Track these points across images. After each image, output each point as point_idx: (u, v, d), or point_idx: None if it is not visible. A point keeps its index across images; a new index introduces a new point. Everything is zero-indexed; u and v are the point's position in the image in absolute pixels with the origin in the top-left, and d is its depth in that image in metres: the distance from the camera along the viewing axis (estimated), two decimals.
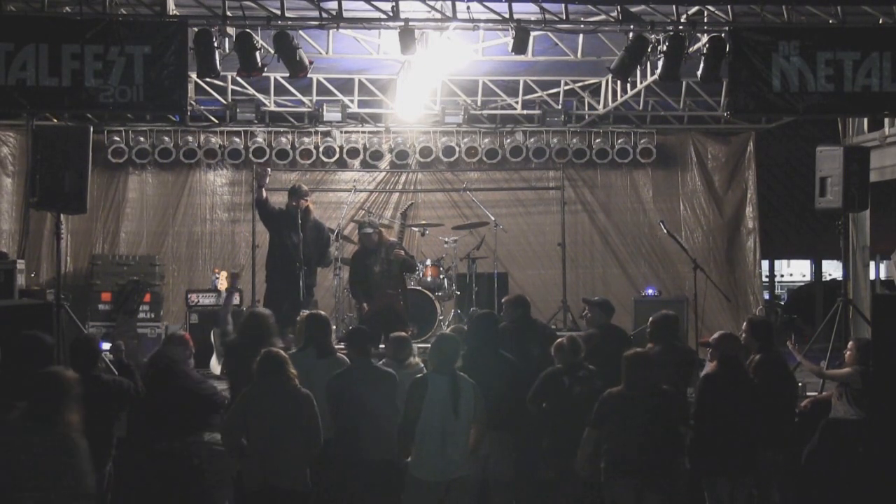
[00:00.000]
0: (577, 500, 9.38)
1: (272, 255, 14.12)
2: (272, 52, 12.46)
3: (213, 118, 17.35)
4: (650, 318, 10.43)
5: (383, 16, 12.40)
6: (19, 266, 14.10)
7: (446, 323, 14.73)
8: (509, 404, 9.26)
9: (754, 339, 9.81)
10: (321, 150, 17.54)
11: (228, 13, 12.10)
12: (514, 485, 9.66)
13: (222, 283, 14.12)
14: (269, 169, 14.51)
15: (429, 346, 11.00)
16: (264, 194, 13.92)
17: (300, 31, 13.03)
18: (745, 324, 10.32)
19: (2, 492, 6.49)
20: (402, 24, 12.18)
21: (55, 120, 15.30)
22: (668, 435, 8.56)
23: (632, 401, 8.48)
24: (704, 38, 12.61)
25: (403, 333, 10.37)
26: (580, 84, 17.10)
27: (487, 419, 8.73)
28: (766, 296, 20.12)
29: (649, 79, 14.22)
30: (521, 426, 9.56)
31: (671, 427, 8.64)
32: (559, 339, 9.86)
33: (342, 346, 9.91)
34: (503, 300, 11.58)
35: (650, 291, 16.67)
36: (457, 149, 17.75)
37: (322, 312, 10.10)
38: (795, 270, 25.13)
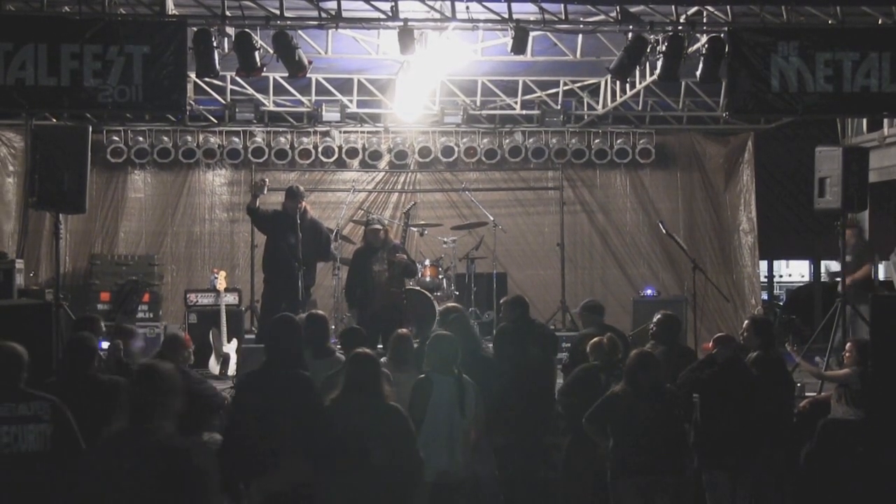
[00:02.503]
0: (583, 500, 9.42)
1: (269, 255, 14.20)
2: (271, 51, 12.46)
3: (212, 118, 17.33)
4: (655, 318, 10.45)
5: (382, 16, 12.41)
6: (18, 266, 14.11)
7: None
8: (495, 405, 9.25)
9: (755, 338, 9.84)
10: (320, 150, 17.53)
11: (227, 13, 12.11)
12: (505, 485, 9.70)
13: (221, 283, 14.12)
14: (267, 181, 14.58)
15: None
16: (256, 203, 14.01)
17: (299, 31, 13.04)
18: (746, 322, 10.37)
19: None
20: (401, 23, 12.18)
21: (54, 120, 15.30)
22: (672, 434, 8.57)
23: (636, 401, 8.49)
24: (703, 39, 12.63)
25: (405, 331, 10.35)
26: (579, 84, 17.10)
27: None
28: (765, 296, 20.13)
29: (648, 79, 14.24)
30: (510, 427, 9.58)
31: (676, 426, 8.66)
32: (598, 338, 9.88)
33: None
34: (502, 301, 11.62)
35: (649, 292, 16.68)
36: (456, 149, 17.74)
37: (321, 312, 10.09)
38: (794, 271, 25.12)
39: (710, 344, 9.51)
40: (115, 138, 17.10)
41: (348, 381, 7.49)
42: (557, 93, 17.19)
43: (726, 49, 12.17)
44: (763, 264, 19.89)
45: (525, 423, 9.77)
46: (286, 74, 13.57)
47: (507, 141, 17.87)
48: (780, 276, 24.72)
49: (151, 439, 5.83)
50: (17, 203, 16.82)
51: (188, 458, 5.87)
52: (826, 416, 10.25)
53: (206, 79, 14.25)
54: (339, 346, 9.86)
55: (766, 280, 21.01)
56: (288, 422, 7.25)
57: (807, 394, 11.44)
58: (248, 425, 7.27)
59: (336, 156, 17.64)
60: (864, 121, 16.65)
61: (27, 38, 11.32)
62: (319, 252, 14.28)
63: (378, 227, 14.08)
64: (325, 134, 17.65)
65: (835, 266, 15.01)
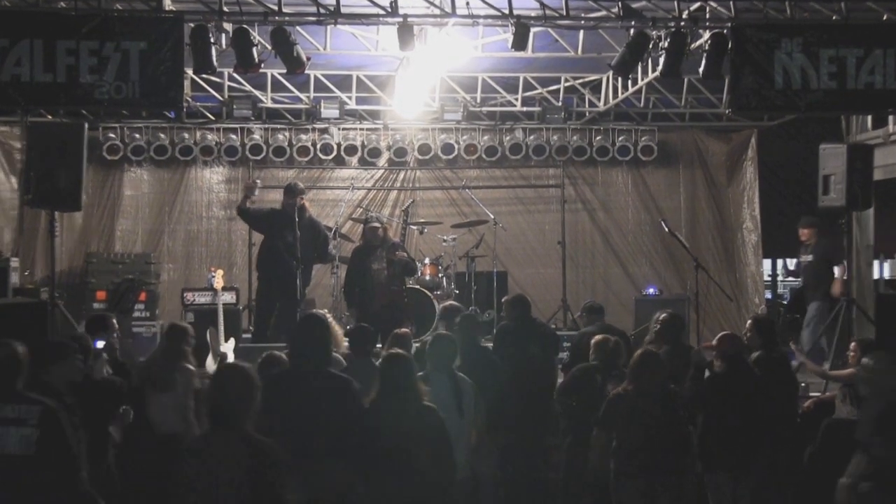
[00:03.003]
0: (584, 501, 9.42)
1: (264, 253, 14.26)
2: (269, 48, 12.44)
3: (209, 115, 17.34)
4: (659, 318, 10.46)
5: (382, 11, 12.39)
6: (13, 264, 14.11)
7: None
8: (496, 405, 9.26)
9: (758, 337, 9.84)
10: (318, 147, 17.53)
11: (225, 9, 12.07)
12: (505, 485, 9.70)
13: (218, 282, 14.11)
14: (258, 182, 14.63)
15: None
16: (247, 204, 14.04)
17: (298, 27, 13.00)
18: (749, 322, 10.37)
19: None
20: (400, 19, 12.17)
21: (50, 117, 15.30)
22: (676, 435, 8.57)
23: (640, 401, 8.49)
24: (706, 35, 12.61)
25: (406, 330, 10.35)
26: (581, 81, 17.09)
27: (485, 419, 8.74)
28: (769, 295, 20.09)
29: (650, 76, 14.24)
30: (510, 427, 9.58)
31: (679, 427, 8.66)
32: (603, 336, 9.90)
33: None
34: (503, 299, 11.63)
35: (651, 291, 16.66)
36: (456, 146, 17.74)
37: (319, 312, 10.08)
38: None
39: (715, 342, 9.49)
40: (112, 135, 17.09)
41: (384, 382, 7.43)
42: (559, 89, 17.18)
43: (729, 45, 12.16)
44: (766, 263, 19.86)
45: (525, 423, 9.78)
46: (284, 71, 13.54)
47: (508, 138, 17.86)
48: (784, 275, 24.71)
49: (243, 443, 5.94)
50: (12, 201, 16.80)
51: (276, 459, 5.99)
52: (830, 416, 10.25)
53: (204, 75, 14.21)
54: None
55: (769, 279, 20.97)
56: (327, 426, 7.18)
57: (811, 394, 11.44)
58: (281, 430, 6.96)
59: (335, 153, 17.63)
60: (869, 118, 16.62)
61: (23, 33, 11.31)
62: (317, 252, 14.29)
63: (377, 224, 14.08)
64: (324, 131, 17.64)
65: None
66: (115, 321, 10.31)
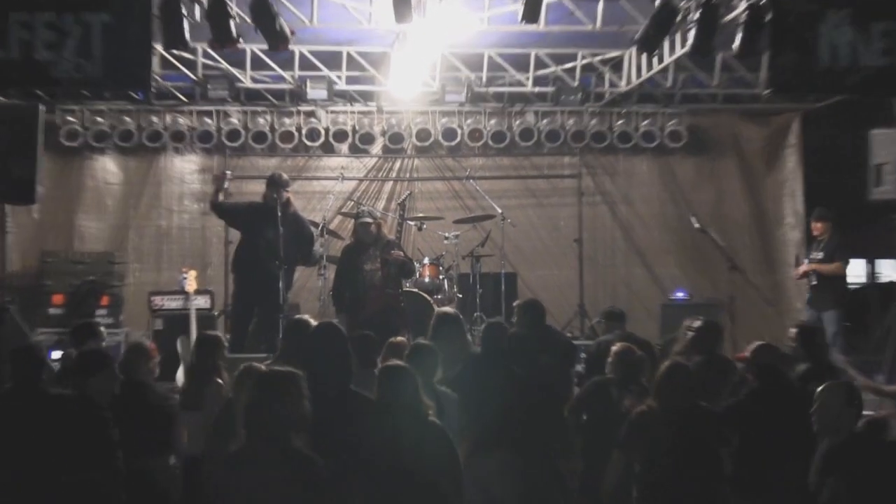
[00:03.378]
0: None
1: (241, 253, 14.26)
2: (249, 20, 12.45)
3: (181, 96, 17.37)
4: (692, 325, 10.46)
5: None
6: None
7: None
8: (516, 422, 9.27)
9: (804, 347, 9.84)
10: (304, 132, 17.56)
11: None
12: None
13: (191, 284, 14.11)
14: (229, 173, 14.67)
15: None
16: (219, 197, 14.08)
17: None
18: (793, 330, 10.35)
19: None
20: None
21: (1, 98, 15.30)
22: (706, 458, 8.55)
23: (666, 419, 8.47)
24: (742, 6, 12.59)
25: (402, 339, 10.35)
26: (600, 58, 17.09)
27: (479, 436, 8.74)
28: None
29: (679, 52, 14.22)
30: (529, 446, 9.57)
31: (710, 450, 8.63)
32: (626, 346, 9.90)
33: None
34: (514, 304, 11.63)
35: (680, 295, 16.67)
36: (459, 131, 17.76)
37: (306, 317, 10.08)
38: (847, 271, 25.10)
39: (746, 353, 9.48)
40: (71, 119, 17.14)
41: (383, 397, 7.46)
42: (575, 67, 17.18)
43: (768, 18, 12.15)
44: None
45: (534, 441, 9.77)
46: (265, 47, 13.51)
47: (518, 122, 17.89)
48: None
49: (287, 453, 6.18)
50: None
51: (320, 476, 6.27)
52: (884, 437, 10.23)
53: (175, 51, 14.24)
54: None
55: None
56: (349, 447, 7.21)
57: (863, 412, 11.42)
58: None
59: (322, 139, 17.68)
60: None
61: None
62: (300, 253, 14.26)
63: (368, 220, 14.03)
64: (310, 114, 17.67)
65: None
66: (103, 329, 10.33)
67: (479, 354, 9.85)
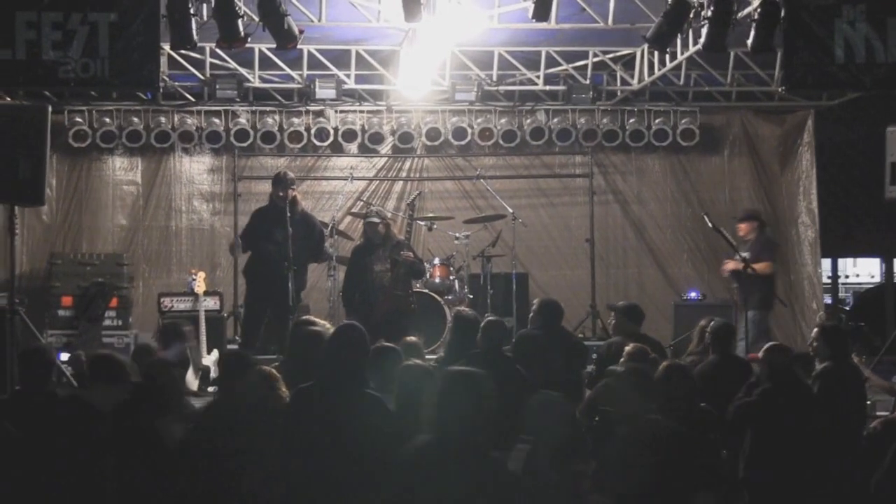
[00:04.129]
0: None
1: (250, 255, 14.27)
2: (256, 19, 12.44)
3: (189, 96, 17.36)
4: (708, 326, 10.43)
5: None
6: None
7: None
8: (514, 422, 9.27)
9: (827, 347, 9.82)
10: (313, 132, 17.53)
11: None
12: None
13: (200, 286, 14.11)
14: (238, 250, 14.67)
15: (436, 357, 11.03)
16: (241, 246, 14.38)
17: None
18: (815, 329, 10.33)
19: None
20: None
21: (8, 99, 15.31)
22: (699, 461, 8.46)
23: (661, 422, 8.40)
24: (755, 2, 12.57)
25: (414, 338, 10.31)
26: (611, 55, 17.04)
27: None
28: (828, 300, 20.08)
29: (691, 49, 14.18)
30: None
31: (706, 453, 8.52)
32: (636, 346, 9.87)
33: None
34: (534, 302, 11.66)
35: (693, 295, 16.63)
36: (469, 130, 17.74)
37: (313, 318, 10.07)
38: (862, 270, 25.07)
39: (761, 354, 9.45)
40: (79, 119, 17.12)
41: (403, 399, 7.48)
42: (586, 65, 17.14)
43: (782, 14, 12.12)
44: (826, 263, 19.85)
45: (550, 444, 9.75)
46: (274, 46, 13.53)
47: (529, 121, 17.86)
48: (846, 277, 24.69)
49: (473, 457, 6.24)
50: None
51: (510, 477, 6.45)
52: None
53: (182, 51, 14.23)
54: None
55: (829, 281, 20.98)
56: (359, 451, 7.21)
57: (878, 413, 11.40)
58: (309, 456, 7.13)
59: (331, 139, 17.66)
60: None
61: None
62: (311, 251, 14.26)
63: (376, 220, 14.00)
64: (319, 114, 17.65)
65: None
66: (189, 329, 10.34)
67: (477, 353, 9.82)
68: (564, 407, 7.98)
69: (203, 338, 13.65)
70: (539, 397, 7.96)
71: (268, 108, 17.66)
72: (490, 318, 10.67)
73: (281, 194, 13.80)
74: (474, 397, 6.29)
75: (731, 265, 14.78)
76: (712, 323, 10.47)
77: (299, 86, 17.14)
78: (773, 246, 15.55)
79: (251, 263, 14.36)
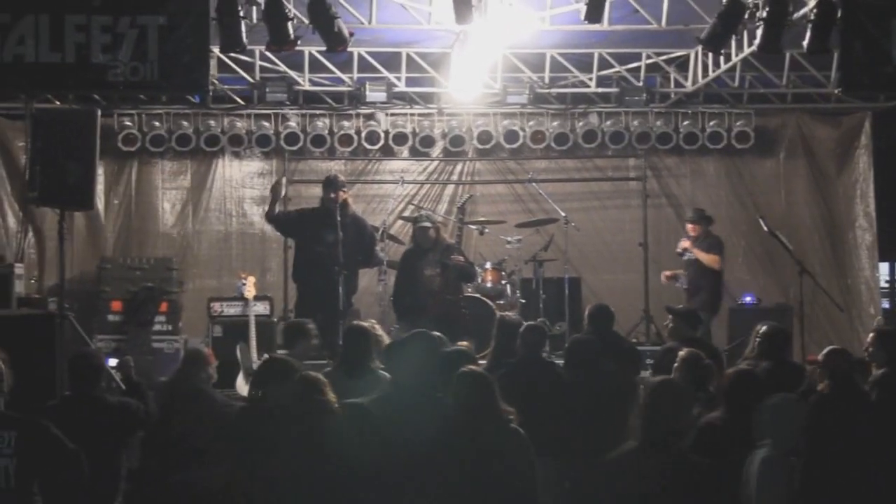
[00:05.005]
0: None
1: (301, 259, 14.31)
2: (306, 22, 12.47)
3: (238, 99, 17.43)
4: (760, 330, 10.37)
5: None
6: (18, 271, 14.17)
7: None
8: (559, 426, 9.22)
9: (883, 352, 9.73)
10: (363, 135, 17.57)
11: None
12: None
13: (250, 290, 14.14)
14: (284, 180, 14.71)
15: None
16: (276, 209, 14.08)
17: None
18: (871, 335, 10.23)
19: None
20: None
21: (58, 102, 15.43)
22: None
23: (736, 431, 8.35)
24: (812, 2, 12.49)
25: (466, 344, 10.29)
26: (665, 57, 16.98)
27: None
28: (886, 304, 19.87)
29: (746, 50, 14.12)
30: (575, 453, 9.52)
31: None
32: (689, 351, 9.81)
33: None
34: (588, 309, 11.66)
35: (748, 299, 16.54)
36: (521, 133, 17.73)
37: (363, 323, 10.07)
38: None
39: (821, 357, 9.36)
40: (128, 123, 17.23)
41: (459, 405, 7.44)
42: (639, 67, 17.08)
43: (838, 14, 12.04)
44: (883, 266, 19.64)
45: (598, 454, 9.69)
46: (324, 48, 13.56)
47: (581, 124, 17.83)
48: None
49: (677, 463, 6.65)
50: (16, 199, 16.95)
51: (712, 480, 6.76)
52: None
53: (232, 54, 14.28)
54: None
55: (887, 285, 20.74)
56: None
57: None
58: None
59: (382, 142, 17.67)
60: None
61: (26, 8, 11.39)
62: (363, 255, 14.25)
63: (427, 224, 14.03)
64: (370, 117, 17.68)
65: None
66: (312, 327, 10.38)
67: (518, 359, 9.81)
68: (800, 408, 7.94)
69: (253, 343, 13.66)
70: (775, 399, 7.93)
71: (318, 112, 17.70)
72: (528, 323, 10.65)
73: (332, 196, 13.76)
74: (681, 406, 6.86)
75: (685, 243, 15.66)
76: (764, 328, 10.38)
77: (349, 88, 17.17)
78: (721, 245, 15.95)
79: (300, 267, 14.33)
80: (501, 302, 15.16)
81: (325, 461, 7.15)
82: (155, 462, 9.35)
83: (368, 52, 16.47)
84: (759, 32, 12.53)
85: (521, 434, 7.42)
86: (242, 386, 13.11)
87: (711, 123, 17.89)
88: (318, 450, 7.19)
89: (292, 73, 16.69)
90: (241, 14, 11.94)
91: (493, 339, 10.79)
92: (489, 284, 15.24)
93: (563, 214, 16.42)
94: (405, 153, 17.92)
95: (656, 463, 6.35)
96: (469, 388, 7.43)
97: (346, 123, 17.67)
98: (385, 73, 16.77)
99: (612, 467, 6.65)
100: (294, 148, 17.37)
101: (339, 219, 13.59)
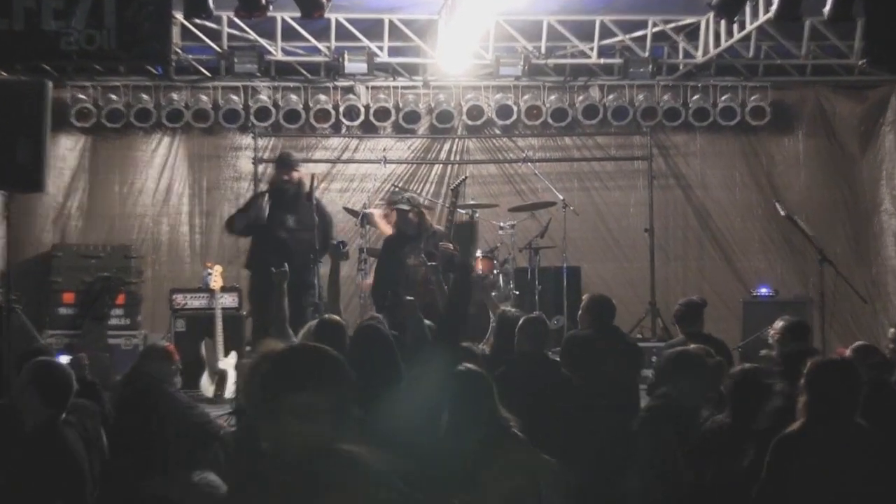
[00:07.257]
0: None
1: (257, 248, 13.78)
2: None
3: (204, 71, 17.43)
4: (777, 324, 10.40)
5: None
6: None
7: None
8: (561, 427, 9.26)
9: None
10: (342, 110, 17.59)
11: None
12: None
13: (216, 281, 14.11)
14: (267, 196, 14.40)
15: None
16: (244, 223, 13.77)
17: None
18: (892, 330, 10.26)
19: None
20: None
21: (4, 74, 15.40)
22: None
23: (744, 436, 8.39)
24: None
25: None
26: (673, 25, 17.02)
27: None
28: None
29: (762, 18, 14.14)
30: (579, 461, 9.56)
31: None
32: (698, 348, 9.83)
33: None
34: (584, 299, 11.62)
35: (764, 290, 16.58)
36: (515, 108, 17.75)
37: (335, 317, 10.05)
38: None
39: (847, 353, 9.40)
40: (82, 96, 17.22)
41: (457, 404, 7.44)
42: (645, 36, 17.10)
43: None
44: None
45: (599, 455, 9.74)
46: (298, 15, 13.56)
47: (581, 98, 17.86)
48: None
49: (850, 430, 7.30)
50: None
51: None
52: None
53: (197, 21, 14.28)
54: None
55: None
56: None
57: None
58: None
59: (362, 118, 17.68)
60: None
61: None
62: (319, 244, 13.80)
63: (405, 207, 13.77)
64: (349, 90, 17.70)
65: None
66: (175, 357, 10.31)
67: (518, 355, 9.84)
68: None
69: (220, 338, 13.66)
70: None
71: (291, 84, 17.72)
72: (527, 316, 10.64)
73: (286, 178, 13.61)
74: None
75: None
76: (781, 322, 10.41)
77: (326, 59, 17.17)
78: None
79: (258, 254, 13.67)
80: (494, 294, 15.19)
81: None
82: (114, 468, 9.36)
83: (347, 19, 16.46)
84: None
85: (521, 438, 7.41)
86: (208, 385, 13.14)
87: (724, 98, 17.94)
88: None
89: (263, 42, 16.69)
90: None
91: (493, 336, 10.80)
92: (480, 274, 15.25)
93: (560, 197, 16.47)
94: (388, 130, 17.93)
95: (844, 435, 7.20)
96: (465, 389, 7.46)
97: (322, 97, 17.67)
98: (365, 42, 16.77)
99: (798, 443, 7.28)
100: (265, 124, 17.36)
101: (293, 201, 13.34)
